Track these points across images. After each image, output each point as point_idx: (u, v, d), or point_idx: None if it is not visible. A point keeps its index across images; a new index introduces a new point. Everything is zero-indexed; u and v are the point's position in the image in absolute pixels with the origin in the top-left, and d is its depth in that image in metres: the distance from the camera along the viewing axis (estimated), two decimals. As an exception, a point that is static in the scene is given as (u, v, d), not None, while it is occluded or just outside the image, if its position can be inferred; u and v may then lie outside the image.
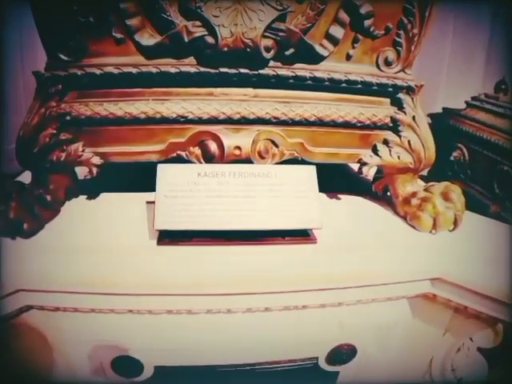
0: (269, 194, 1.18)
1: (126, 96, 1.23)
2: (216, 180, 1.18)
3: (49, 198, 1.25)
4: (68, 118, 1.23)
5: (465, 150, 2.66)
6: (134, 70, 1.20)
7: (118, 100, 1.23)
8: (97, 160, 1.26)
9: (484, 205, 2.47)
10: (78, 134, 1.25)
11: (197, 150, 1.25)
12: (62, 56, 1.21)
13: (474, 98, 2.75)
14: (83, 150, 1.25)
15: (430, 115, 2.76)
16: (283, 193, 1.19)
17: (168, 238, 1.16)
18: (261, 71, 1.22)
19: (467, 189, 2.59)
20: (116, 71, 1.20)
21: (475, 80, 2.86)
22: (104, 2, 1.15)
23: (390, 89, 1.33)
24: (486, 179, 2.53)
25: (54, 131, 1.22)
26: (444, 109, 2.77)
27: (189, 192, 1.16)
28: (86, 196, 1.39)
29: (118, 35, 1.19)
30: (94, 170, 1.26)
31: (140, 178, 1.28)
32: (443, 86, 2.81)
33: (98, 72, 1.20)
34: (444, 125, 2.72)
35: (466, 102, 2.70)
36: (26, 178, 1.32)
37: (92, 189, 1.39)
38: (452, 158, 2.67)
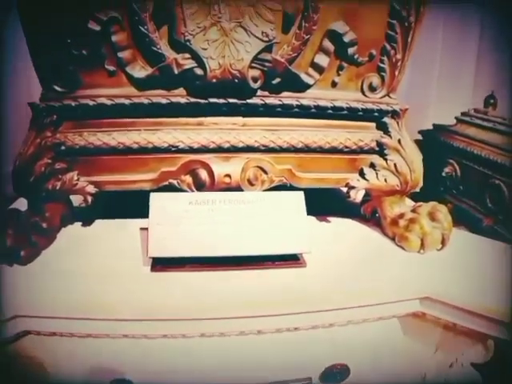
0: (258, 221, 1.21)
1: (119, 126, 1.27)
2: (207, 208, 1.21)
3: (45, 225, 1.28)
4: (63, 147, 1.26)
5: (456, 166, 2.70)
6: (127, 102, 1.24)
7: (111, 130, 1.27)
8: (91, 189, 1.29)
9: (477, 219, 2.50)
10: (73, 163, 1.28)
11: (188, 179, 1.29)
12: (57, 87, 1.25)
13: (463, 114, 2.78)
14: (78, 179, 1.29)
15: (421, 132, 2.80)
16: (272, 219, 1.22)
17: (161, 264, 1.19)
18: (249, 100, 1.27)
19: (460, 204, 2.61)
20: (109, 102, 1.24)
21: (465, 95, 2.90)
22: (96, 35, 1.18)
23: (376, 113, 1.36)
24: (479, 194, 2.56)
25: (50, 161, 1.26)
26: (434, 125, 2.80)
27: (181, 220, 1.19)
28: (81, 223, 1.41)
29: (111, 67, 1.23)
30: (89, 199, 1.29)
31: (134, 204, 1.31)
32: (433, 102, 2.84)
33: (91, 103, 1.24)
34: (435, 141, 2.76)
35: (456, 118, 2.73)
36: (22, 201, 1.35)
37: (87, 215, 1.42)
38: (444, 174, 2.70)
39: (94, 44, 1.20)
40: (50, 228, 1.30)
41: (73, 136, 1.27)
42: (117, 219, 1.44)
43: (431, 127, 2.82)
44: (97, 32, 1.18)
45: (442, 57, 2.93)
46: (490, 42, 2.98)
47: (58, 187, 1.28)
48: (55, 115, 1.26)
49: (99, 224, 1.43)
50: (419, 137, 2.80)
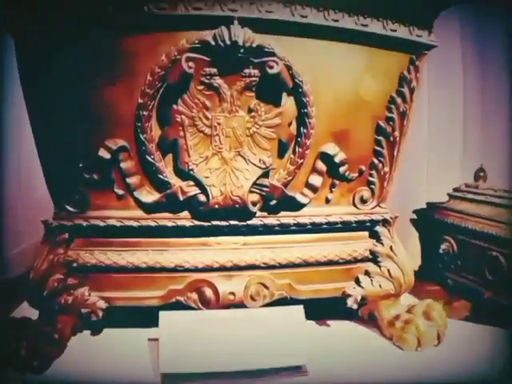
0: (261, 336, 1.27)
1: (128, 246, 1.35)
2: (213, 325, 1.27)
3: (56, 336, 1.34)
4: (75, 264, 1.34)
5: (453, 242, 2.72)
6: (135, 224, 1.33)
7: (120, 250, 1.35)
8: (102, 304, 1.35)
9: (478, 292, 2.52)
10: (85, 279, 1.36)
11: (194, 296, 1.35)
12: (69, 207, 1.34)
13: (455, 190, 2.85)
14: (89, 295, 1.35)
15: (415, 211, 2.86)
16: (274, 333, 1.28)
17: (172, 378, 1.23)
18: (249, 222, 1.36)
19: (459, 279, 2.64)
20: (118, 224, 1.33)
21: (455, 172, 2.99)
22: (106, 162, 1.28)
23: (368, 224, 1.46)
24: (477, 267, 2.56)
25: (62, 276, 1.33)
26: (428, 204, 2.87)
27: (189, 337, 1.25)
28: (90, 332, 1.47)
29: (120, 191, 1.33)
30: (100, 313, 1.35)
31: (141, 314, 1.37)
32: (425, 182, 2.94)
33: (101, 224, 1.33)
34: (429, 219, 2.81)
35: (449, 194, 2.80)
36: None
37: (96, 324, 1.46)
38: (441, 251, 2.73)
39: (104, 169, 1.31)
40: (60, 338, 1.35)
41: (84, 254, 1.35)
42: (125, 328, 1.48)
43: (425, 206, 2.88)
44: (107, 159, 1.29)
45: (430, 133, 3.02)
46: (476, 116, 3.08)
47: (69, 302, 1.34)
48: (67, 233, 1.34)
49: (108, 333, 1.48)
50: (414, 216, 2.87)
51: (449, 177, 2.94)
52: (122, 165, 1.30)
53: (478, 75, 2.99)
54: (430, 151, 2.98)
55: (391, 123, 1.42)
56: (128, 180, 1.31)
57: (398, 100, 1.43)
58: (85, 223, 1.33)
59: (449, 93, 3.00)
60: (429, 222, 2.83)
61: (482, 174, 2.90)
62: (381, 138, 1.43)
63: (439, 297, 2.18)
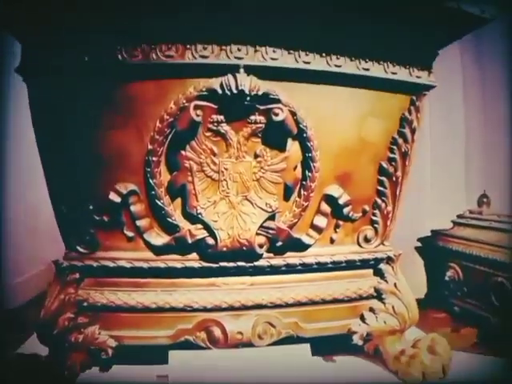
0: (268, 374, 1.31)
1: (137, 286, 1.38)
2: (222, 365, 1.30)
3: (66, 373, 1.36)
4: (85, 304, 1.37)
5: (458, 269, 2.74)
6: (145, 265, 1.36)
7: (130, 290, 1.38)
8: (111, 342, 1.38)
9: (485, 318, 2.53)
10: (95, 317, 1.39)
11: (203, 335, 1.38)
12: (79, 248, 1.38)
13: (459, 216, 2.87)
14: (99, 333, 1.38)
15: (420, 239, 2.88)
16: (281, 372, 1.31)
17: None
18: (256, 263, 1.39)
19: (466, 305, 2.65)
20: (128, 265, 1.36)
21: (458, 199, 3.01)
22: (117, 205, 1.32)
23: (372, 262, 1.50)
24: (483, 293, 2.57)
25: (73, 315, 1.36)
26: (432, 231, 2.89)
27: (199, 377, 1.28)
28: (98, 368, 1.49)
29: (129, 233, 1.37)
30: (109, 352, 1.38)
31: (149, 351, 1.40)
32: (429, 209, 2.96)
33: (111, 265, 1.37)
34: (434, 247, 2.83)
35: (453, 221, 2.83)
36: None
37: (105, 361, 1.49)
38: (447, 278, 2.74)
39: (114, 212, 1.35)
40: (70, 375, 1.38)
41: (94, 294, 1.38)
42: (133, 365, 1.50)
43: (429, 233, 2.90)
44: (117, 203, 1.33)
45: (432, 164, 3.05)
46: (478, 143, 3.11)
47: (80, 340, 1.37)
48: (78, 273, 1.38)
49: (116, 370, 1.49)
50: (418, 244, 2.89)
51: (452, 204, 2.96)
52: (132, 208, 1.34)
53: (479, 105, 3.03)
54: (433, 178, 3.00)
55: (393, 163, 1.46)
56: (138, 223, 1.35)
57: (400, 141, 1.47)
58: (95, 264, 1.37)
59: (450, 122, 3.04)
60: (433, 249, 2.85)
61: (485, 199, 2.93)
62: (383, 178, 1.46)
63: (446, 324, 2.21)
